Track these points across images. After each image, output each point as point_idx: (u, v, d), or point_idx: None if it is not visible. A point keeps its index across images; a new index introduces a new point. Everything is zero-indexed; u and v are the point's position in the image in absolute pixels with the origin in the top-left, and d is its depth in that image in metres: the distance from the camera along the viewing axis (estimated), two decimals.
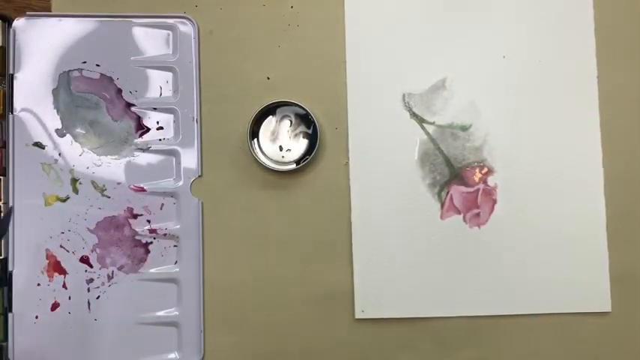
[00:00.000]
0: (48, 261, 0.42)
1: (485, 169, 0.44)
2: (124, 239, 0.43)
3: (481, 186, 0.44)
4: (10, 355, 0.42)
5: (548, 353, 0.43)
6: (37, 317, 0.42)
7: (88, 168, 0.43)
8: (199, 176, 0.44)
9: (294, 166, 0.43)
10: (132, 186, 0.43)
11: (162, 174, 0.43)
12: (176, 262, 0.43)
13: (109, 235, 0.43)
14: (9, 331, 0.42)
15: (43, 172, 0.43)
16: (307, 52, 0.44)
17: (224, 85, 0.44)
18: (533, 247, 0.43)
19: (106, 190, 0.43)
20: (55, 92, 0.43)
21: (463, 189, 0.44)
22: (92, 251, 0.43)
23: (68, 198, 0.43)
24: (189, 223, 0.43)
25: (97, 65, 0.44)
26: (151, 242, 0.43)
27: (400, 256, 0.43)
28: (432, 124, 0.44)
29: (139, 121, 0.44)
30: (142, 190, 0.43)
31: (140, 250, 0.43)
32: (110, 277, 0.43)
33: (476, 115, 0.44)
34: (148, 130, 0.44)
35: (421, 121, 0.44)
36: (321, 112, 0.44)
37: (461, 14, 0.45)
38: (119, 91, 0.44)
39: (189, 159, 0.43)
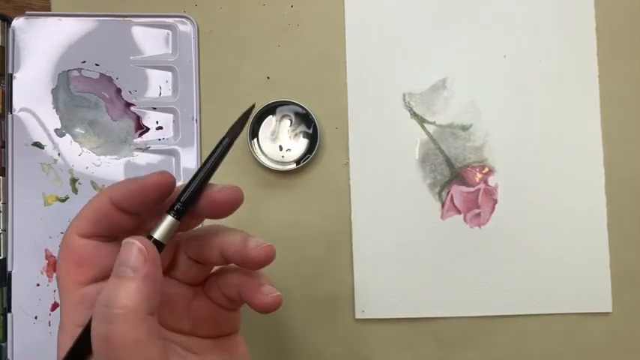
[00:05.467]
0: (47, 261, 0.42)
1: (486, 169, 0.44)
2: None
3: (482, 186, 0.44)
4: (9, 356, 0.42)
5: (548, 353, 0.43)
6: (36, 317, 0.42)
7: (87, 168, 0.43)
8: None
9: (294, 165, 0.43)
10: None
11: None
12: None
13: None
14: (8, 331, 0.42)
15: (43, 172, 0.43)
16: (307, 52, 0.44)
17: (224, 85, 0.44)
18: (533, 247, 0.43)
19: None
20: (55, 92, 0.43)
21: (464, 189, 0.44)
22: None
23: (67, 198, 0.43)
24: None
25: (97, 65, 0.43)
26: None
27: (400, 256, 0.43)
28: (433, 123, 0.44)
29: (138, 120, 0.44)
30: None
31: None
32: None
33: (476, 115, 0.44)
34: (148, 129, 0.44)
35: (422, 120, 0.44)
36: (321, 112, 0.44)
37: (461, 14, 0.44)
38: (118, 90, 0.43)
39: (189, 159, 0.43)
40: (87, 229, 0.27)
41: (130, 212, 0.28)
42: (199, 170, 0.28)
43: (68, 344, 0.26)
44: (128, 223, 0.28)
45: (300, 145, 0.43)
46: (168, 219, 0.27)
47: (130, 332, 0.24)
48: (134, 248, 0.25)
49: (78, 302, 0.27)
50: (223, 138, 0.29)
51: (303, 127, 0.44)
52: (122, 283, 0.25)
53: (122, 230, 0.28)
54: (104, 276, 0.27)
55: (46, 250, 0.42)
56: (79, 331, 0.26)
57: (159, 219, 0.27)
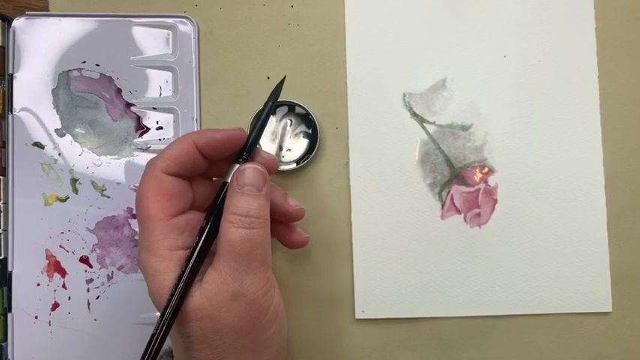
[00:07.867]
0: (48, 261, 0.42)
1: (486, 169, 0.44)
2: (124, 239, 0.43)
3: (482, 186, 0.44)
4: (9, 356, 0.42)
5: (548, 353, 0.43)
6: (36, 317, 0.42)
7: (87, 168, 0.43)
8: None
9: (294, 165, 0.43)
10: (132, 186, 0.43)
11: None
12: None
13: (109, 235, 0.43)
14: (8, 331, 0.42)
15: (43, 172, 0.43)
16: (307, 52, 0.44)
17: (224, 85, 0.44)
18: (533, 247, 0.43)
19: (105, 190, 0.43)
20: (55, 92, 0.43)
21: (464, 189, 0.44)
22: (92, 251, 0.43)
23: (68, 198, 0.43)
24: None
25: (97, 65, 0.43)
26: None
27: (400, 256, 0.43)
28: (433, 123, 0.44)
29: (138, 120, 0.44)
30: None
31: None
32: (110, 278, 0.43)
33: (476, 115, 0.44)
34: (148, 129, 0.44)
35: (422, 120, 0.44)
36: (321, 112, 0.44)
37: (461, 14, 0.45)
38: (119, 90, 0.44)
39: None
40: (174, 168, 0.32)
41: (207, 157, 0.33)
42: (253, 128, 0.35)
43: (163, 263, 0.31)
44: (202, 166, 0.33)
45: (300, 145, 0.44)
46: (235, 166, 0.33)
47: (265, 235, 0.32)
48: (258, 172, 0.32)
49: (169, 230, 0.31)
50: (267, 103, 0.36)
51: (303, 127, 0.44)
52: (253, 199, 0.31)
53: (196, 172, 0.33)
54: (187, 208, 0.33)
55: (46, 250, 0.42)
56: (174, 254, 0.31)
57: (218, 166, 0.35)
